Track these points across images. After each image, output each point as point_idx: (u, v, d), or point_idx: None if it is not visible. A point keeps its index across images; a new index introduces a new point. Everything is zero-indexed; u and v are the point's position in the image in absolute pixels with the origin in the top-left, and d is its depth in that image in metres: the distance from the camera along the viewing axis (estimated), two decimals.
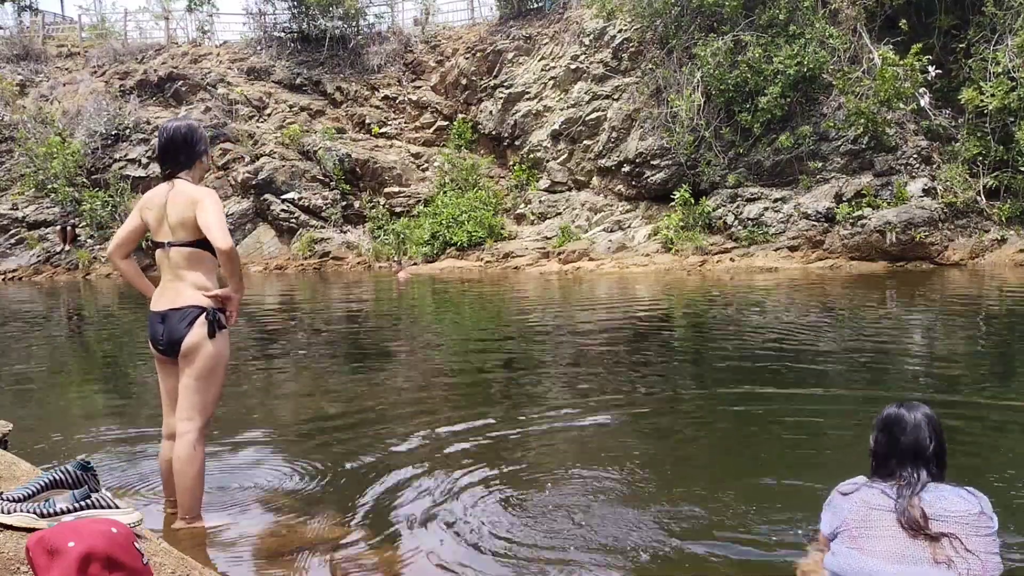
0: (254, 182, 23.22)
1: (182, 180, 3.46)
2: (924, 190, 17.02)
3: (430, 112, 25.29)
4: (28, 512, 2.26)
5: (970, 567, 2.30)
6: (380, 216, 23.17)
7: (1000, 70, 16.94)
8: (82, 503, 2.30)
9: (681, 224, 18.99)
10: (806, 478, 3.92)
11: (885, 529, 2.40)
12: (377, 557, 3.18)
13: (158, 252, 3.48)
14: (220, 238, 3.27)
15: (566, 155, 22.52)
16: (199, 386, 3.40)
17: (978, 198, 17.02)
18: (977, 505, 2.42)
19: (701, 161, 19.40)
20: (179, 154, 3.46)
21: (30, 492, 2.36)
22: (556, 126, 22.47)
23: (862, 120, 17.40)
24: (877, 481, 2.54)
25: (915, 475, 2.49)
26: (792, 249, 17.80)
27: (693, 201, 18.93)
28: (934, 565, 2.31)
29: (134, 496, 3.85)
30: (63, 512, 2.27)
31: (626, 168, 20.79)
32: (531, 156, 23.12)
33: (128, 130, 24.10)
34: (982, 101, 16.80)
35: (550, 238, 20.78)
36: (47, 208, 23.79)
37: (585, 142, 22.00)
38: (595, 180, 21.98)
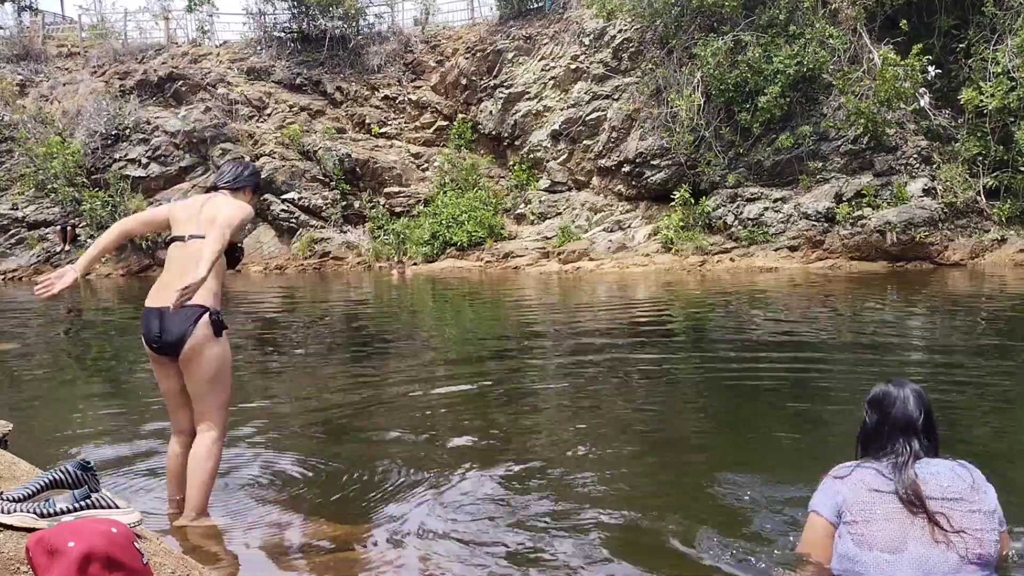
0: None
1: (223, 193, 3.63)
2: (924, 190, 17.03)
3: (430, 112, 25.29)
4: (28, 512, 2.26)
5: (968, 546, 2.33)
6: (380, 216, 23.18)
7: (1000, 70, 16.95)
8: (82, 503, 2.30)
9: (681, 224, 19.00)
10: (806, 474, 3.92)
11: (885, 513, 2.41)
12: (378, 556, 3.18)
13: (174, 246, 3.50)
14: (217, 232, 3.29)
15: (566, 155, 22.53)
16: (212, 388, 3.41)
17: (978, 198, 17.03)
18: (969, 477, 2.45)
19: (701, 161, 19.41)
20: (236, 179, 3.69)
21: (30, 492, 2.36)
22: (556, 126, 22.48)
23: (862, 120, 17.41)
24: (870, 461, 2.55)
25: (907, 447, 2.51)
26: (792, 249, 17.81)
27: (693, 201, 18.94)
28: (933, 545, 2.34)
29: (134, 496, 3.85)
30: (63, 512, 2.27)
31: (626, 168, 20.79)
32: (531, 156, 23.13)
33: (128, 130, 24.09)
34: (982, 101, 16.81)
35: (550, 238, 20.79)
36: (47, 208, 23.78)
37: (585, 142, 22.01)
38: (595, 180, 21.98)
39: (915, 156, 17.59)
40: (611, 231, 20.43)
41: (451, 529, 3.42)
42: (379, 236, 22.82)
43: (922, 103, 17.75)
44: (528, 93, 23.37)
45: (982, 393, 5.76)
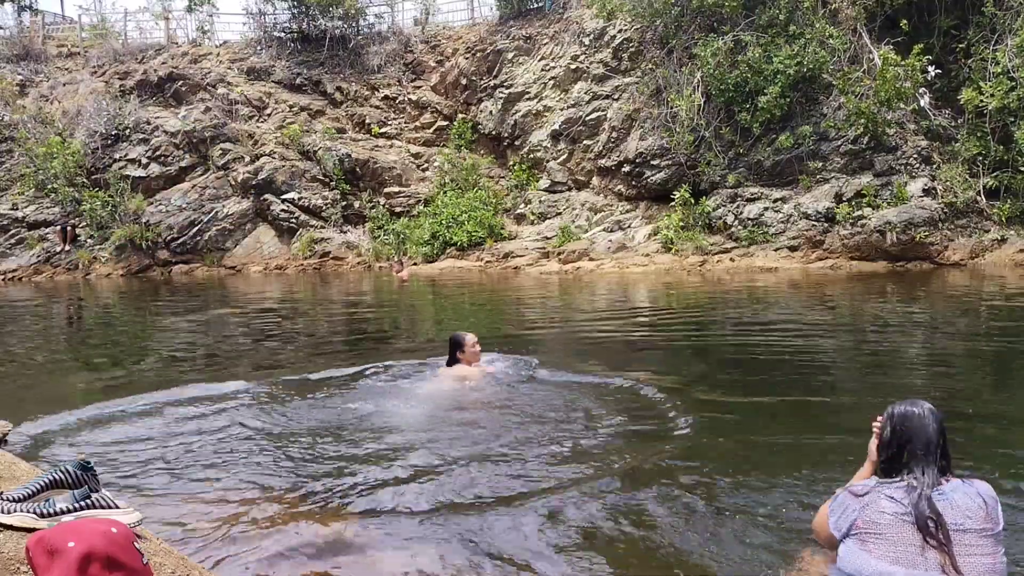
0: (254, 182, 23.23)
1: None
2: (924, 190, 17.03)
3: (430, 112, 25.30)
4: (28, 512, 2.27)
5: (979, 574, 2.32)
6: (380, 216, 23.18)
7: (1000, 70, 16.94)
8: (82, 503, 2.30)
9: (681, 224, 19.00)
10: (807, 479, 3.92)
11: (897, 536, 2.41)
12: (378, 556, 3.18)
13: None
14: None
15: (566, 155, 22.53)
16: None
17: (978, 198, 17.02)
18: (983, 503, 2.44)
19: (701, 161, 19.41)
20: None
21: (30, 492, 2.36)
22: (556, 126, 22.49)
23: (862, 120, 17.41)
24: (886, 484, 2.55)
25: (925, 471, 2.52)
26: (792, 249, 17.81)
27: (693, 201, 18.94)
28: (942, 574, 2.32)
29: (133, 496, 3.85)
30: (63, 512, 2.27)
31: (626, 168, 20.79)
32: (531, 156, 23.13)
33: (128, 130, 24.10)
34: (982, 101, 16.80)
35: (550, 238, 20.79)
36: (47, 208, 23.79)
37: (585, 142, 22.01)
38: (595, 180, 21.99)
39: (915, 156, 17.59)
40: (611, 231, 20.43)
41: (455, 532, 3.42)
42: (379, 236, 22.82)
43: (922, 103, 17.74)
44: (528, 93, 23.38)
45: (979, 389, 5.76)
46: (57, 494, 2.36)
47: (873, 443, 2.77)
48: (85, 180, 23.56)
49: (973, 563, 2.34)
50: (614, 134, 21.28)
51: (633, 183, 20.78)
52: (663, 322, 10.45)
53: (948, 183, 17.01)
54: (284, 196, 23.22)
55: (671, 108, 19.67)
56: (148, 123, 24.22)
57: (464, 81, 24.64)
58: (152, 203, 23.45)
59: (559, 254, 19.96)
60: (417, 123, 25.34)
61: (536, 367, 6.73)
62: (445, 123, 25.00)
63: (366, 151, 24.25)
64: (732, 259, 18.05)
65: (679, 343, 8.75)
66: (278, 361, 8.27)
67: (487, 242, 21.18)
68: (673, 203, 19.22)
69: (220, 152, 23.85)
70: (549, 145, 22.72)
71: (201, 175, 24.17)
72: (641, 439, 4.84)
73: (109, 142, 24.00)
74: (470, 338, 6.32)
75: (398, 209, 23.52)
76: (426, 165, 24.66)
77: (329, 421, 5.33)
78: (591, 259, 19.39)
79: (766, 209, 18.37)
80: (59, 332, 11.66)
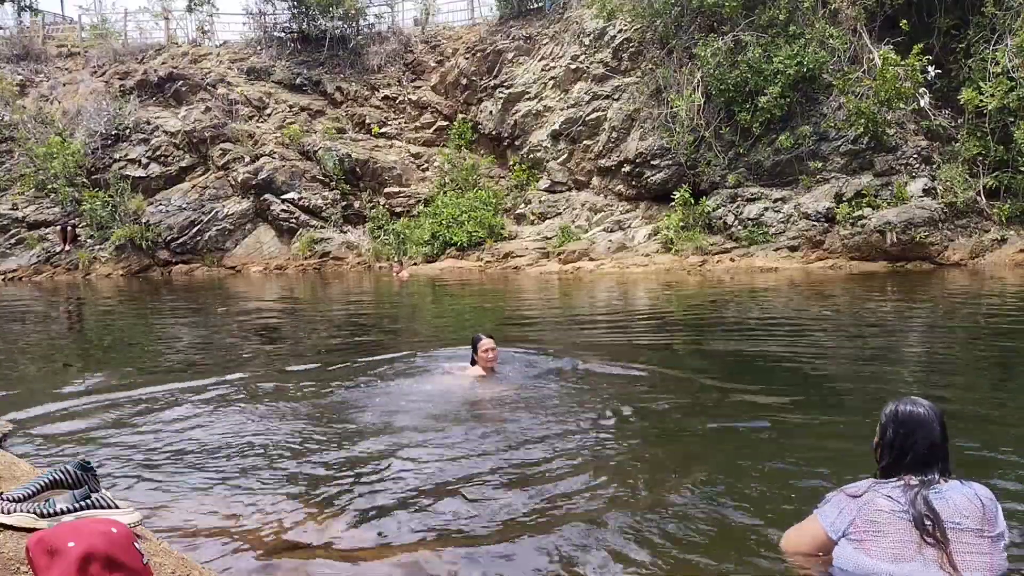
0: (254, 182, 23.23)
1: None
2: (924, 190, 17.03)
3: (430, 112, 25.31)
4: (28, 512, 2.27)
5: (972, 574, 2.32)
6: (380, 216, 23.19)
7: (1000, 70, 16.95)
8: (82, 503, 2.30)
9: (681, 224, 19.00)
10: (806, 479, 3.92)
11: (894, 533, 2.40)
12: (378, 555, 3.18)
13: None
14: None
15: (566, 155, 22.53)
16: None
17: (978, 198, 17.03)
18: (980, 504, 2.43)
19: (701, 161, 19.41)
20: None
21: (30, 492, 2.36)
22: (556, 126, 22.49)
23: (862, 120, 17.41)
24: (883, 484, 2.54)
25: (925, 476, 2.50)
26: (792, 249, 17.81)
27: (693, 201, 18.94)
28: (939, 570, 2.32)
29: (134, 496, 3.85)
30: (63, 512, 2.27)
31: (626, 168, 20.80)
32: (531, 156, 23.13)
33: (128, 130, 24.11)
34: (982, 101, 16.80)
35: (550, 238, 20.79)
36: (47, 208, 23.80)
37: (585, 142, 22.01)
38: (595, 180, 21.99)
39: (915, 156, 17.60)
40: (611, 231, 20.44)
41: (456, 534, 3.42)
42: (379, 236, 22.82)
43: (922, 103, 17.75)
44: (528, 93, 23.38)
45: (978, 389, 5.76)
46: (57, 494, 2.37)
47: None
48: (85, 180, 23.57)
49: (970, 561, 2.33)
50: (614, 134, 21.28)
51: (633, 183, 20.79)
52: (663, 321, 10.45)
53: (948, 183, 17.01)
54: (284, 196, 23.23)
55: (671, 108, 19.68)
56: (148, 123, 24.24)
57: (464, 81, 24.64)
58: (152, 203, 23.46)
59: (559, 254, 19.96)
60: (417, 123, 25.35)
61: (547, 366, 6.77)
62: (445, 123, 25.01)
63: (366, 151, 24.25)
64: (732, 259, 18.06)
65: (679, 341, 8.75)
66: (279, 359, 8.27)
67: (487, 242, 21.18)
68: (673, 203, 19.22)
69: (220, 152, 23.85)
70: (549, 145, 22.72)
71: (201, 175, 24.18)
72: (641, 440, 4.84)
73: (109, 142, 24.01)
74: (484, 343, 6.22)
75: (398, 209, 23.53)
76: (426, 165, 24.67)
77: (331, 419, 5.33)
78: (591, 259, 19.39)
79: (766, 209, 18.37)
80: (59, 331, 11.66)
